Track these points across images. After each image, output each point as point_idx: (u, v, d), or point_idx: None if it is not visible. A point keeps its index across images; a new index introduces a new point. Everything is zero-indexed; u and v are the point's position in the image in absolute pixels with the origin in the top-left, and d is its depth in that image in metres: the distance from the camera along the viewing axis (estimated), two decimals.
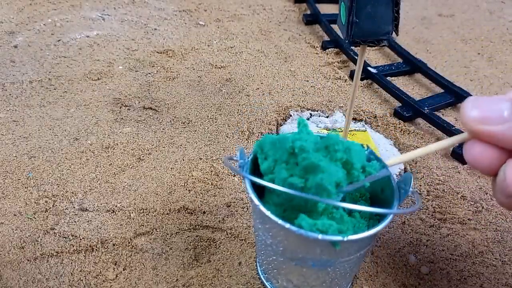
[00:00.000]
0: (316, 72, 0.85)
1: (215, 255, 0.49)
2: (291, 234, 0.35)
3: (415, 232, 0.54)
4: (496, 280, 0.49)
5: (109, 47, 0.87)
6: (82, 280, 0.46)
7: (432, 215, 0.56)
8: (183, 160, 0.62)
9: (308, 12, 1.07)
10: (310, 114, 0.73)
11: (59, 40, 0.88)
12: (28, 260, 0.47)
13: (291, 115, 0.72)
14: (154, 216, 0.53)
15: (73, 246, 0.49)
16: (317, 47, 0.93)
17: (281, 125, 0.70)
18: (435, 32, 1.04)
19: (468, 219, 0.56)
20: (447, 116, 0.75)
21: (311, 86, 0.80)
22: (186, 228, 0.52)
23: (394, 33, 0.46)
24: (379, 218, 0.39)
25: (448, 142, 0.35)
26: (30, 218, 0.52)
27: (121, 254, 0.49)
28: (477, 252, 0.52)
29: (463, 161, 0.65)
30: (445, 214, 0.56)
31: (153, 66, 0.82)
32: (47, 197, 0.55)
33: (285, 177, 0.35)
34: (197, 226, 0.53)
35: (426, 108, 0.72)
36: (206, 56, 0.87)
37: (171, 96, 0.75)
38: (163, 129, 0.68)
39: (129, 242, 0.50)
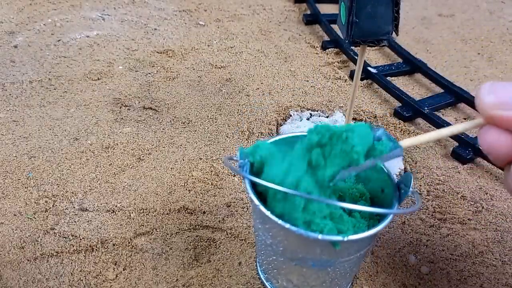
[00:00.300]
0: (316, 72, 0.85)
1: (215, 255, 0.49)
2: (291, 234, 0.35)
3: (415, 232, 0.54)
4: (496, 280, 0.49)
5: (109, 47, 0.87)
6: (82, 280, 0.46)
7: (432, 215, 0.56)
8: (183, 160, 0.62)
9: (308, 12, 1.07)
10: (310, 114, 0.73)
11: (59, 40, 0.88)
12: (28, 260, 0.47)
13: (291, 115, 0.72)
14: (154, 216, 0.53)
15: (73, 246, 0.49)
16: (317, 47, 0.93)
17: (281, 125, 0.70)
18: (435, 32, 1.04)
19: (468, 219, 0.56)
20: (447, 116, 0.75)
21: (311, 86, 0.80)
22: (186, 228, 0.52)
23: (394, 33, 0.46)
24: (379, 218, 0.39)
25: (463, 126, 0.34)
26: (30, 218, 0.52)
27: (121, 254, 0.49)
28: (477, 252, 0.52)
29: (463, 161, 0.65)
30: (445, 214, 0.57)
31: (153, 66, 0.82)
32: (47, 197, 0.55)
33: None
34: (197, 226, 0.53)
35: (426, 108, 0.72)
36: (206, 56, 0.87)
37: (171, 96, 0.75)
38: (163, 129, 0.68)
39: (129, 242, 0.50)
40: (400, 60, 0.89)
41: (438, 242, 0.53)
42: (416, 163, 0.65)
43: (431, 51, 0.96)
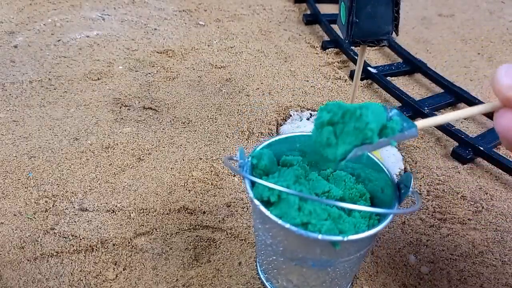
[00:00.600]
0: (316, 72, 0.85)
1: (215, 255, 0.49)
2: (291, 234, 0.35)
3: (415, 232, 0.54)
4: (496, 280, 0.49)
5: (109, 47, 0.87)
6: (82, 280, 0.46)
7: (432, 215, 0.56)
8: (183, 160, 0.62)
9: (308, 12, 1.07)
10: (310, 114, 0.73)
11: (59, 40, 0.88)
12: (28, 260, 0.47)
13: (291, 115, 0.72)
14: (154, 216, 0.53)
15: (73, 246, 0.49)
16: (317, 47, 0.93)
17: (281, 125, 0.70)
18: (435, 32, 1.04)
19: (468, 219, 0.56)
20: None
21: (311, 86, 0.80)
22: (186, 228, 0.52)
23: (394, 33, 0.46)
24: (379, 218, 0.39)
25: (479, 109, 0.33)
26: (30, 218, 0.52)
27: (121, 254, 0.49)
28: (477, 252, 0.52)
29: (463, 161, 0.65)
30: (445, 214, 0.57)
31: (153, 66, 0.82)
32: (47, 197, 0.55)
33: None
34: (197, 226, 0.53)
35: (426, 108, 0.72)
36: (206, 56, 0.87)
37: (171, 96, 0.75)
38: (163, 129, 0.68)
39: (129, 242, 0.50)
40: (400, 60, 0.89)
41: (438, 242, 0.53)
42: (416, 163, 0.65)
43: (431, 51, 0.96)
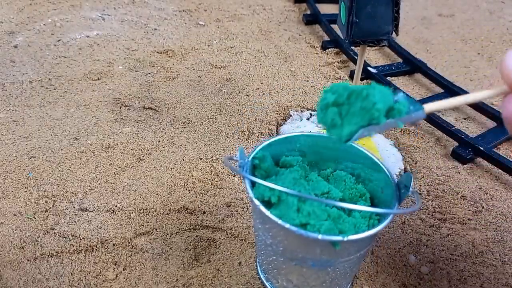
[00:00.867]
0: (316, 72, 0.85)
1: (215, 255, 0.49)
2: (291, 234, 0.35)
3: (415, 232, 0.54)
4: (496, 280, 0.49)
5: (109, 47, 0.87)
6: (82, 280, 0.46)
7: (432, 215, 0.56)
8: (183, 160, 0.62)
9: (308, 12, 1.07)
10: (310, 114, 0.73)
11: (59, 40, 0.88)
12: (28, 260, 0.47)
13: (291, 115, 0.72)
14: (154, 216, 0.53)
15: (73, 246, 0.49)
16: (317, 47, 0.93)
17: (281, 125, 0.70)
18: (435, 32, 1.04)
19: (468, 219, 0.56)
20: (447, 116, 0.75)
21: (311, 86, 0.80)
22: (186, 228, 0.52)
23: (394, 33, 0.46)
24: (379, 218, 0.39)
25: (487, 93, 0.33)
26: (30, 218, 0.52)
27: (121, 254, 0.49)
28: (477, 252, 0.52)
29: (463, 161, 0.65)
30: (445, 214, 0.57)
31: (153, 66, 0.82)
32: (47, 197, 0.55)
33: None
34: (197, 226, 0.53)
35: None
36: (206, 56, 0.87)
37: (171, 96, 0.75)
38: (163, 129, 0.68)
39: (129, 242, 0.50)
40: (400, 60, 0.89)
41: (438, 242, 0.53)
42: (416, 163, 0.65)
43: (431, 51, 0.96)
